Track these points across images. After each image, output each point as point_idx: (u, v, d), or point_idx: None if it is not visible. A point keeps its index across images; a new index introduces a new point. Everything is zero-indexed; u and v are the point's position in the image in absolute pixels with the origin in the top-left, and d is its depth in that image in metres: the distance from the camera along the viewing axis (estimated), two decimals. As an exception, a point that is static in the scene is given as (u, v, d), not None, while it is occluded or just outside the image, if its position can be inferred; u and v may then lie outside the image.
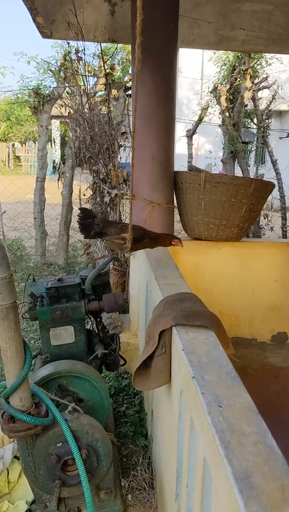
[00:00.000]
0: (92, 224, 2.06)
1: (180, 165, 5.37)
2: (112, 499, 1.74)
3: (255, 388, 1.69)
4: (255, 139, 7.45)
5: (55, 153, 17.62)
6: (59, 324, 1.87)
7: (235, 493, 0.69)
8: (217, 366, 1.09)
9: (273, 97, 6.37)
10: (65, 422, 1.48)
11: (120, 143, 3.65)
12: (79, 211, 2.09)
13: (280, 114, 14.60)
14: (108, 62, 4.86)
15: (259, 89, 6.10)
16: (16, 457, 1.97)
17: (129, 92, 4.19)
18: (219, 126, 6.26)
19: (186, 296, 1.57)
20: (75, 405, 1.58)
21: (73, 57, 3.86)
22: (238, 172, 6.25)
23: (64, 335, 1.90)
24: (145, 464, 2.03)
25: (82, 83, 3.93)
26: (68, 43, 4.10)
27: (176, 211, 3.05)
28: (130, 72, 3.14)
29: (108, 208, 3.40)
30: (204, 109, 6.52)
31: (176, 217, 3.10)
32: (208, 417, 0.87)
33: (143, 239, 2.08)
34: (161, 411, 1.71)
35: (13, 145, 21.88)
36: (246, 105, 6.18)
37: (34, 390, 1.49)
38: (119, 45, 5.38)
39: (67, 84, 4.91)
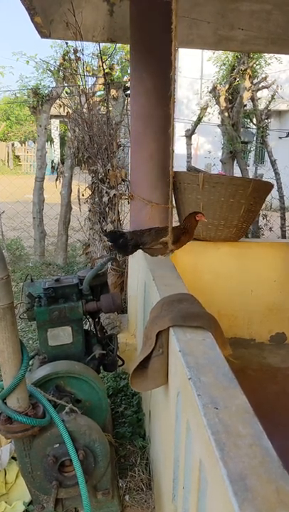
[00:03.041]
0: (125, 242, 2.08)
1: (179, 165, 5.36)
2: (110, 500, 1.73)
3: (254, 389, 1.69)
4: (255, 138, 7.44)
5: (54, 153, 17.61)
6: (57, 325, 1.87)
7: (230, 495, 0.69)
8: (214, 367, 1.09)
9: (272, 97, 6.37)
10: (62, 422, 1.47)
11: (119, 142, 3.65)
12: (107, 237, 2.13)
13: (279, 113, 14.60)
14: (107, 62, 4.85)
15: (258, 89, 6.10)
16: (13, 458, 1.97)
17: (128, 91, 4.19)
18: (218, 126, 6.26)
19: (184, 297, 1.57)
20: (72, 406, 1.58)
21: (72, 57, 3.85)
22: (237, 172, 6.24)
23: (62, 335, 1.89)
24: (143, 464, 2.03)
25: (81, 83, 3.92)
26: (67, 43, 4.09)
27: (174, 211, 3.04)
28: (129, 72, 3.13)
29: (107, 208, 3.39)
30: (203, 109, 6.52)
31: (175, 217, 3.10)
32: (204, 419, 0.87)
33: (180, 237, 2.10)
34: (159, 412, 1.70)
35: (12, 144, 21.86)
36: (245, 105, 6.17)
37: (31, 391, 1.49)
38: (118, 45, 5.38)
39: (66, 84, 4.90)
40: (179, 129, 9.43)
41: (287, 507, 0.66)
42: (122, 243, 2.10)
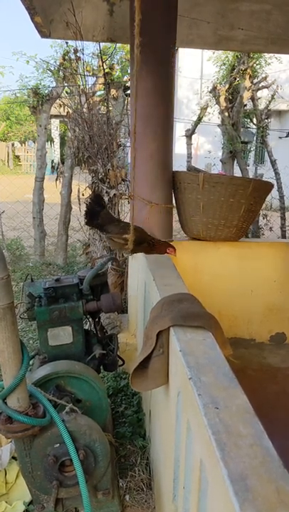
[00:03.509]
0: (98, 214, 2.05)
1: (179, 165, 5.37)
2: (110, 500, 1.73)
3: (254, 389, 1.69)
4: (255, 138, 7.45)
5: (54, 152, 17.61)
6: (57, 324, 1.87)
7: (231, 495, 0.69)
8: (214, 367, 1.09)
9: (272, 97, 6.37)
10: (62, 422, 1.47)
11: (119, 142, 3.65)
12: (93, 196, 2.08)
13: (279, 113, 14.60)
14: (107, 61, 4.85)
15: (258, 89, 6.10)
16: (13, 458, 1.97)
17: (128, 91, 4.19)
18: (218, 125, 6.26)
19: (184, 297, 1.57)
20: (72, 406, 1.58)
21: (72, 56, 3.85)
22: (237, 172, 6.24)
23: (62, 335, 1.89)
24: (143, 464, 2.03)
25: (81, 83, 3.92)
26: (67, 43, 4.09)
27: (174, 211, 3.04)
28: (129, 71, 3.13)
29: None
30: (203, 109, 6.52)
31: (175, 216, 3.10)
32: (205, 419, 0.87)
33: (143, 242, 2.08)
34: (159, 412, 1.70)
35: (12, 144, 21.86)
36: (245, 105, 6.17)
37: (32, 391, 1.49)
38: (118, 45, 5.38)
39: (66, 84, 4.90)
40: (179, 128, 9.44)
41: (287, 507, 0.66)
42: (95, 212, 2.07)
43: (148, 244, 2.12)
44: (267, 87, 6.20)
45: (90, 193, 3.52)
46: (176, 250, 2.19)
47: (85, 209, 2.06)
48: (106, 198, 3.33)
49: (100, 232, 3.52)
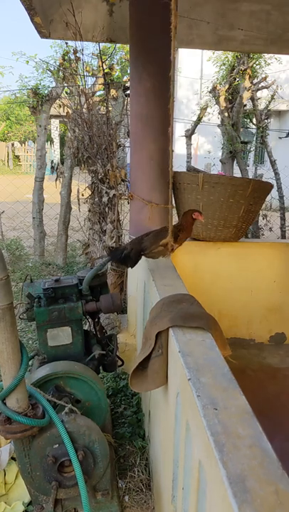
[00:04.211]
0: (127, 254, 2.08)
1: (179, 165, 5.37)
2: (109, 500, 1.73)
3: (253, 389, 1.69)
4: (254, 138, 7.44)
5: (54, 153, 17.60)
6: (56, 325, 1.87)
7: (230, 496, 0.69)
8: (213, 368, 1.09)
9: (272, 97, 6.37)
10: (61, 423, 1.47)
11: (119, 143, 3.64)
12: (109, 257, 2.16)
13: (279, 114, 14.60)
14: (107, 62, 4.85)
15: (258, 89, 6.09)
16: (12, 458, 1.96)
17: (128, 92, 4.19)
18: (218, 126, 6.26)
19: (183, 298, 1.56)
20: (72, 406, 1.58)
21: (72, 57, 3.85)
22: (237, 172, 6.24)
23: (61, 336, 1.89)
24: (142, 465, 2.03)
25: (81, 83, 3.92)
26: (67, 43, 4.09)
27: (174, 211, 3.04)
28: (129, 72, 3.13)
29: (106, 208, 3.39)
30: (203, 109, 6.51)
31: (175, 217, 3.10)
32: (204, 420, 0.87)
33: (178, 236, 2.10)
34: (158, 412, 1.70)
35: (12, 144, 21.86)
36: (245, 105, 6.17)
37: (31, 391, 1.49)
38: (118, 45, 5.38)
39: (65, 84, 4.90)
40: (179, 129, 9.44)
41: (286, 508, 0.66)
42: (124, 257, 2.10)
43: (180, 232, 2.13)
44: (267, 88, 6.20)
45: (90, 193, 3.52)
46: (201, 213, 2.18)
47: (117, 264, 2.13)
48: (106, 198, 3.33)
49: (99, 232, 3.52)
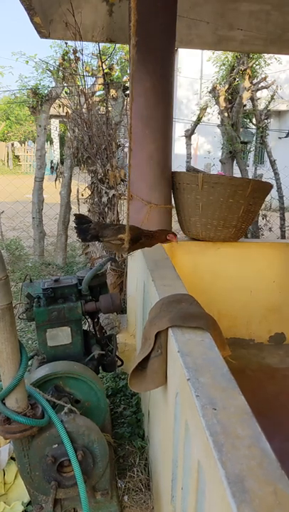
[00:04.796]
0: (88, 228, 2.09)
1: (178, 165, 5.37)
2: (108, 500, 1.73)
3: (253, 389, 1.69)
4: (254, 139, 7.44)
5: (53, 153, 17.60)
6: (56, 325, 1.87)
7: (228, 496, 0.69)
8: (212, 368, 1.09)
9: (272, 97, 6.37)
10: (61, 423, 1.47)
11: (119, 143, 3.65)
12: (74, 217, 2.14)
13: (278, 114, 14.61)
14: (106, 62, 4.85)
15: (258, 89, 6.10)
16: (12, 458, 1.96)
17: (128, 92, 4.18)
18: (218, 126, 6.26)
19: (183, 298, 1.56)
20: (71, 406, 1.58)
21: (71, 57, 3.85)
22: (236, 172, 6.24)
23: (61, 336, 1.89)
24: (142, 465, 2.03)
25: (81, 83, 3.92)
26: (66, 43, 4.09)
27: (174, 211, 3.05)
28: (128, 72, 3.13)
29: (106, 208, 3.39)
30: (203, 109, 6.51)
31: (174, 217, 3.10)
32: (203, 420, 0.87)
33: (140, 238, 2.09)
34: (158, 412, 1.70)
35: (12, 144, 21.86)
36: (245, 105, 6.17)
37: (30, 391, 1.49)
38: (118, 45, 5.37)
39: (65, 84, 4.90)
40: (179, 129, 9.44)
41: (285, 509, 0.66)
42: (84, 228, 2.12)
43: (146, 238, 2.13)
44: (266, 88, 6.20)
45: (89, 193, 3.53)
46: (176, 236, 2.19)
47: (75, 231, 2.12)
48: (105, 198, 3.33)
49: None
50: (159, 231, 2.23)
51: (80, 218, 2.16)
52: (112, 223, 2.19)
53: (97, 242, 3.57)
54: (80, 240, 2.20)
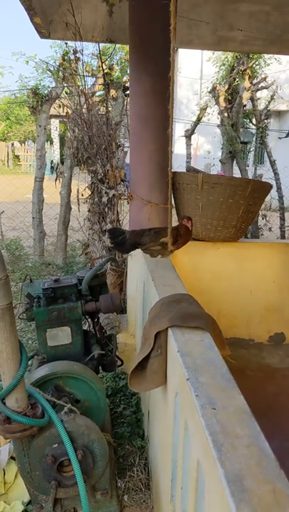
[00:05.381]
0: (124, 240, 2.10)
1: (179, 165, 5.37)
2: (108, 500, 1.74)
3: (252, 389, 1.69)
4: (254, 139, 7.44)
5: (53, 153, 17.60)
6: (56, 325, 1.87)
7: (227, 496, 0.69)
8: (212, 368, 1.09)
9: (272, 97, 6.37)
10: (61, 423, 1.48)
11: (120, 143, 3.65)
12: (108, 233, 2.17)
13: (278, 114, 14.61)
14: (106, 62, 4.85)
15: (258, 90, 6.10)
16: (12, 458, 1.97)
17: (128, 92, 4.19)
18: (218, 126, 6.26)
19: (183, 298, 1.57)
20: (71, 406, 1.58)
21: (71, 57, 3.85)
22: (236, 172, 6.24)
23: (61, 336, 1.90)
24: (141, 464, 2.03)
25: (81, 83, 3.92)
26: (66, 43, 4.09)
27: (174, 211, 3.05)
28: (128, 72, 3.13)
29: (106, 209, 3.40)
30: (203, 109, 6.52)
31: (174, 217, 3.10)
32: (202, 420, 0.87)
33: (177, 238, 2.12)
34: (157, 412, 1.71)
35: (12, 144, 21.85)
36: (245, 105, 6.17)
37: (30, 391, 1.49)
38: (118, 46, 5.38)
39: (65, 84, 4.90)
40: (179, 129, 9.45)
41: (283, 507, 0.66)
42: (121, 241, 2.13)
43: (179, 235, 2.16)
44: (266, 88, 6.21)
45: (90, 193, 3.53)
46: (190, 219, 2.20)
47: (110, 245, 2.15)
48: (105, 199, 3.34)
49: (99, 232, 3.52)
50: (180, 225, 2.25)
51: (113, 232, 2.20)
52: (146, 229, 2.21)
53: (97, 243, 3.58)
54: (119, 252, 2.23)
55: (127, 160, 3.78)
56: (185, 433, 1.09)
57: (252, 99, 6.02)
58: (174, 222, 3.10)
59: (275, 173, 5.96)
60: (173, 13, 1.25)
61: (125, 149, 3.92)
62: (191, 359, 1.14)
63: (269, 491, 0.69)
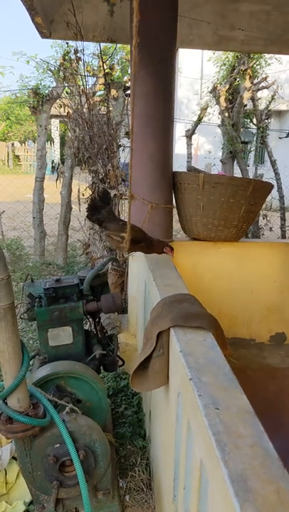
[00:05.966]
0: (100, 209, 2.07)
1: (179, 165, 5.36)
2: (110, 500, 1.74)
3: (253, 389, 1.69)
4: (255, 139, 7.44)
5: (54, 152, 17.60)
6: (57, 325, 1.87)
7: (231, 496, 0.69)
8: (214, 368, 1.09)
9: (272, 97, 6.37)
10: (62, 423, 1.48)
11: (120, 143, 3.65)
12: (100, 191, 2.10)
13: (279, 114, 14.61)
14: (107, 62, 4.85)
15: (258, 90, 6.10)
16: (13, 458, 1.97)
17: (129, 92, 4.19)
18: (218, 126, 6.26)
19: (184, 297, 1.57)
20: (72, 406, 1.58)
21: (72, 57, 3.85)
22: (237, 172, 6.24)
23: (62, 335, 1.90)
24: (143, 464, 2.03)
25: (82, 83, 3.92)
26: (67, 43, 4.09)
27: (174, 211, 3.05)
28: (129, 72, 3.14)
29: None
30: (203, 109, 6.52)
31: (175, 217, 3.10)
32: (205, 419, 0.87)
33: (140, 242, 2.08)
34: (159, 412, 1.71)
35: (12, 144, 21.86)
36: (246, 105, 6.17)
37: (32, 391, 1.49)
38: (119, 45, 5.38)
39: (66, 84, 4.90)
40: (179, 129, 9.44)
41: (287, 507, 0.66)
42: (98, 207, 2.09)
43: (146, 243, 2.12)
44: (267, 88, 6.20)
45: (90, 193, 3.53)
46: (173, 250, 2.19)
47: (88, 202, 2.09)
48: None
49: (100, 232, 3.52)
50: (157, 241, 2.21)
51: (103, 194, 2.14)
52: (121, 219, 2.16)
53: (98, 242, 3.57)
54: (86, 215, 2.17)
55: (124, 160, 3.79)
56: (188, 433, 1.09)
57: (252, 99, 6.01)
58: (175, 223, 3.12)
59: (276, 173, 5.96)
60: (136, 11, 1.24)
61: (126, 149, 3.91)
62: (194, 359, 1.13)
63: (273, 491, 0.69)
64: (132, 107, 1.75)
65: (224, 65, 6.61)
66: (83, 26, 3.24)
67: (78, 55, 3.67)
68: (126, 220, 2.14)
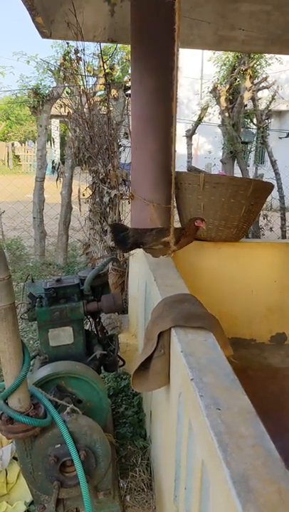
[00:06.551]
0: (126, 237, 2.10)
1: (179, 165, 5.35)
2: (111, 500, 1.73)
3: (254, 389, 1.69)
4: (255, 139, 7.44)
5: (54, 152, 17.59)
6: (58, 325, 1.87)
7: (233, 496, 0.69)
8: (215, 368, 1.09)
9: (273, 97, 6.37)
10: (63, 423, 1.47)
11: (120, 143, 3.65)
12: (110, 228, 2.16)
13: (279, 114, 14.60)
14: (108, 62, 4.85)
15: (259, 90, 6.10)
16: (14, 458, 1.97)
17: (129, 92, 4.19)
18: (219, 126, 6.26)
19: (185, 298, 1.57)
20: (73, 406, 1.58)
21: (73, 57, 3.85)
22: (237, 172, 6.24)
23: (63, 336, 1.89)
24: (144, 465, 2.03)
25: (82, 83, 3.92)
26: (68, 43, 4.09)
27: (175, 211, 3.04)
28: (130, 72, 3.13)
29: (107, 209, 3.39)
30: (204, 109, 6.52)
31: (176, 217, 3.10)
32: (207, 420, 0.87)
33: (180, 238, 2.11)
34: (160, 412, 1.70)
35: (12, 144, 21.86)
36: (246, 105, 6.17)
37: (33, 391, 1.49)
38: (119, 45, 5.38)
39: (66, 84, 4.90)
40: (180, 129, 9.43)
41: (289, 508, 0.66)
42: (123, 237, 2.12)
43: (182, 235, 2.16)
44: (267, 88, 6.21)
45: (91, 193, 3.52)
46: (203, 221, 2.20)
47: (112, 241, 2.14)
48: (107, 198, 3.33)
49: (100, 232, 3.52)
50: (187, 223, 2.24)
51: (115, 227, 2.18)
52: (148, 229, 2.21)
53: (98, 243, 3.57)
54: (121, 249, 2.22)
55: (124, 160, 3.79)
56: (189, 433, 1.09)
57: (253, 99, 6.02)
58: (176, 223, 3.12)
59: (276, 173, 5.96)
60: (178, 12, 1.24)
61: (126, 149, 3.91)
62: (195, 359, 1.13)
63: (275, 491, 0.69)
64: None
65: (224, 65, 6.61)
66: (84, 26, 3.23)
67: (79, 55, 3.67)
68: (153, 227, 2.19)
